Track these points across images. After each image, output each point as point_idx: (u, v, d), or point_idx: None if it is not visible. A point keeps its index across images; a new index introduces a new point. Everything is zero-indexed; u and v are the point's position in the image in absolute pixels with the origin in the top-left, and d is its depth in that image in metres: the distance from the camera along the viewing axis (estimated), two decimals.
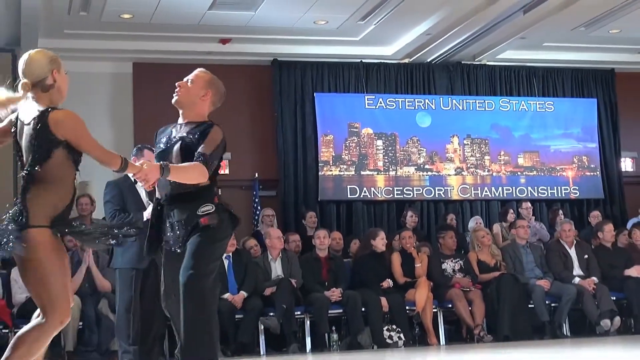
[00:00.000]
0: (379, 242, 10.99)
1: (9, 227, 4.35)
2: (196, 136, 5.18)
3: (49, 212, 4.41)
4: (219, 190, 13.66)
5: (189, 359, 4.99)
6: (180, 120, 5.40)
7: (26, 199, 4.43)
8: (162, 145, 5.32)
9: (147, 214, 7.45)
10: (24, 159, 4.54)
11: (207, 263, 5.07)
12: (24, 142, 4.53)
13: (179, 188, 5.14)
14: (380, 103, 14.24)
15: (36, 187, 4.45)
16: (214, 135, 5.17)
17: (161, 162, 4.94)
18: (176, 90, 5.35)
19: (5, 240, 4.30)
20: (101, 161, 4.53)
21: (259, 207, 13.22)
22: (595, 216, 13.44)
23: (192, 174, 5.03)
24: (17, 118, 4.60)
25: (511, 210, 13.24)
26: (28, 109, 4.53)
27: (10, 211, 4.43)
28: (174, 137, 5.28)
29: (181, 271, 5.02)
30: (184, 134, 5.23)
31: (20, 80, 4.54)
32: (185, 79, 5.42)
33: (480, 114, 14.64)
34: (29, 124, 4.48)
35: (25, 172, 4.48)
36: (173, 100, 5.35)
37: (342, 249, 11.97)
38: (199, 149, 5.07)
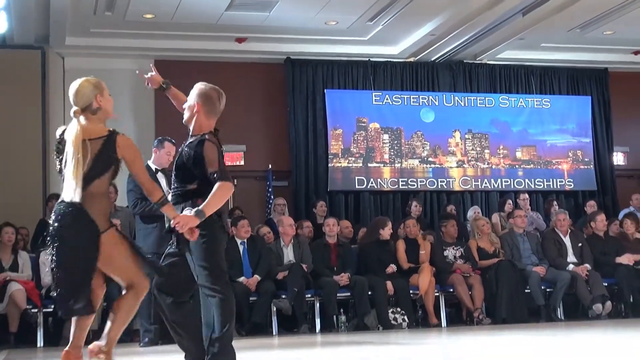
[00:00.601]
0: (387, 232, 10.98)
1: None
2: (191, 154, 5.14)
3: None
4: (234, 180, 13.72)
5: None
6: None
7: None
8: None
9: None
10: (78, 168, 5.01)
11: (209, 265, 5.10)
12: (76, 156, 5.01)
13: (175, 189, 5.25)
14: (387, 99, 14.22)
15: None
16: (208, 153, 5.07)
17: (195, 210, 4.95)
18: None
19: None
20: (145, 187, 5.08)
21: (272, 197, 13.22)
22: (591, 205, 13.40)
23: (220, 196, 5.03)
24: (62, 134, 5.14)
25: (509, 201, 13.20)
26: (74, 127, 5.07)
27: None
28: (180, 151, 5.33)
29: (198, 276, 5.12)
30: (184, 149, 5.25)
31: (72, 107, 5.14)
32: None
33: (480, 110, 14.60)
34: (93, 139, 5.03)
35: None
36: (184, 121, 5.36)
37: (352, 236, 11.99)
38: (209, 171, 5.04)
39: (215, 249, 5.13)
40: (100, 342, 5.12)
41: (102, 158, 5.02)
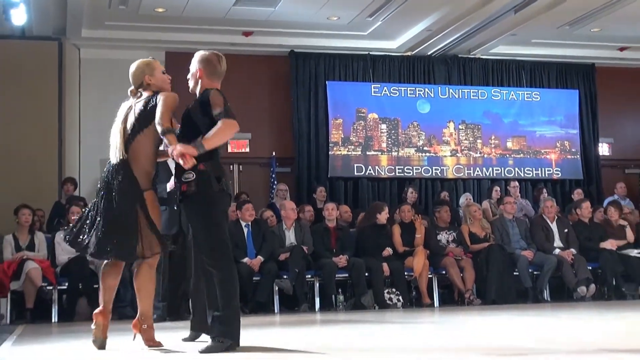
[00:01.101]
0: (383, 217, 10.99)
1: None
2: (197, 103, 5.04)
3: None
4: (240, 166, 13.66)
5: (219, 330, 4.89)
6: None
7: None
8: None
9: (169, 186, 7.43)
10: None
11: (211, 236, 4.92)
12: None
13: None
14: (385, 91, 14.20)
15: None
16: (213, 98, 4.92)
17: (195, 142, 4.79)
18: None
19: None
20: (159, 114, 5.01)
21: (275, 182, 13.23)
22: (578, 194, 13.42)
23: (223, 132, 4.83)
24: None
25: (496, 188, 13.21)
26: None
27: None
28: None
29: (196, 248, 5.04)
30: (188, 106, 5.14)
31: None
32: None
33: (474, 102, 14.59)
34: (138, 102, 5.28)
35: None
36: (190, 90, 5.31)
37: (351, 220, 12.00)
38: (214, 113, 4.86)
39: (215, 220, 4.95)
40: (139, 318, 5.29)
41: (144, 114, 5.16)
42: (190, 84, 5.27)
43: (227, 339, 4.84)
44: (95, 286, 9.55)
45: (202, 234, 4.95)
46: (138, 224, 5.02)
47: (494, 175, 14.52)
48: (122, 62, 12.33)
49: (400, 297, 10.36)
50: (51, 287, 9.58)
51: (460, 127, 14.54)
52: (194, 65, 5.24)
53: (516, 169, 14.63)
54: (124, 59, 12.89)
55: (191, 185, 4.94)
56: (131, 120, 5.20)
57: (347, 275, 10.48)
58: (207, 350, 4.80)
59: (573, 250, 11.15)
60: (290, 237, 10.68)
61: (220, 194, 5.01)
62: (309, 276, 10.35)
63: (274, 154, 13.73)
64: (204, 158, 4.89)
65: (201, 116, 4.96)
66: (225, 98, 4.96)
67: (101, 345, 5.16)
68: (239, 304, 5.04)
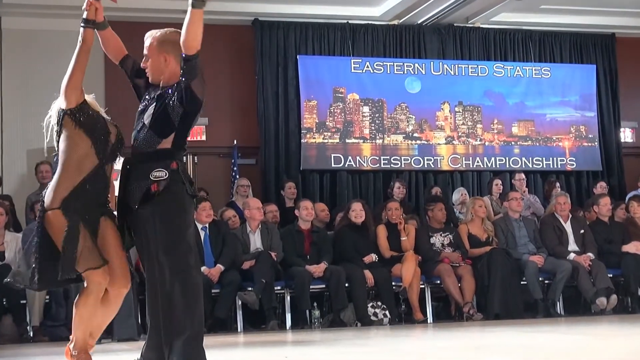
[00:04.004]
0: (352, 214, 10.97)
1: None
2: (173, 91, 5.05)
3: None
4: (195, 157, 13.55)
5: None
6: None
7: None
8: (141, 106, 5.22)
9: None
10: None
11: (181, 242, 4.97)
12: None
13: (141, 147, 5.06)
14: (367, 67, 14.21)
15: None
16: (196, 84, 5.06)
17: None
18: (146, 71, 5.25)
19: None
20: None
21: (237, 176, 13.19)
22: (602, 187, 13.45)
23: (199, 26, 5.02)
24: None
25: (497, 182, 13.26)
26: None
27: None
28: (151, 97, 5.18)
29: (159, 256, 4.94)
30: (159, 92, 5.11)
31: None
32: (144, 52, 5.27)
33: (472, 80, 14.63)
34: None
35: None
36: (150, 80, 5.25)
37: (328, 221, 12.00)
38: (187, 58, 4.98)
39: (186, 224, 5.04)
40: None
41: None
42: (153, 76, 5.19)
43: None
44: (23, 302, 9.52)
45: (170, 239, 4.95)
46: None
47: (497, 166, 14.57)
48: (52, 33, 12.40)
49: (387, 312, 10.39)
50: None
51: (456, 109, 14.59)
52: (158, 54, 5.18)
53: (523, 159, 14.70)
54: (53, 29, 12.93)
55: (161, 184, 4.99)
56: None
57: (323, 286, 10.50)
58: None
59: (591, 255, 11.21)
60: (256, 242, 10.68)
61: (190, 199, 5.12)
62: (278, 288, 10.35)
63: (235, 142, 13.70)
64: (175, 156, 5.03)
65: (178, 107, 5.03)
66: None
67: None
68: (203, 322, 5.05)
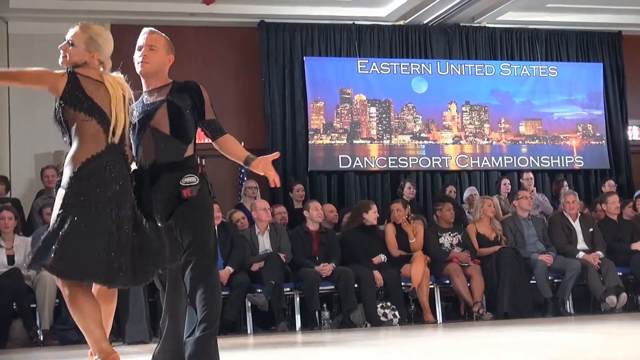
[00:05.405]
0: (371, 216, 11.00)
1: None
2: (186, 100, 5.13)
3: None
4: (203, 160, 13.61)
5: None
6: (145, 89, 5.25)
7: None
8: (136, 114, 5.15)
9: None
10: None
11: (211, 241, 5.10)
12: None
13: (166, 157, 5.09)
14: (374, 68, 14.21)
15: None
16: (206, 96, 5.23)
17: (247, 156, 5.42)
18: (140, 60, 5.19)
19: None
20: None
21: (245, 178, 13.18)
22: (610, 185, 13.41)
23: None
24: None
25: (505, 181, 13.24)
26: None
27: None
28: (150, 102, 5.15)
29: (193, 256, 4.99)
30: (167, 97, 5.12)
31: None
32: (143, 43, 5.22)
33: (479, 80, 14.63)
34: None
35: None
36: (140, 70, 5.20)
37: (337, 222, 11.99)
38: (211, 117, 5.30)
39: (213, 229, 5.20)
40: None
41: None
42: (153, 66, 5.18)
43: None
44: (33, 305, 9.53)
45: (203, 243, 5.05)
46: None
47: (505, 165, 14.56)
48: (59, 37, 12.37)
49: (397, 313, 10.38)
50: None
51: (463, 109, 14.57)
52: (166, 51, 5.22)
53: (531, 158, 14.68)
54: (60, 33, 12.89)
55: (195, 189, 5.15)
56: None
57: (332, 287, 10.50)
58: None
59: (600, 254, 11.19)
60: (265, 243, 10.67)
61: (212, 202, 5.32)
62: (288, 289, 10.35)
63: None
64: (197, 161, 5.27)
65: (191, 117, 5.24)
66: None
67: None
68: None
